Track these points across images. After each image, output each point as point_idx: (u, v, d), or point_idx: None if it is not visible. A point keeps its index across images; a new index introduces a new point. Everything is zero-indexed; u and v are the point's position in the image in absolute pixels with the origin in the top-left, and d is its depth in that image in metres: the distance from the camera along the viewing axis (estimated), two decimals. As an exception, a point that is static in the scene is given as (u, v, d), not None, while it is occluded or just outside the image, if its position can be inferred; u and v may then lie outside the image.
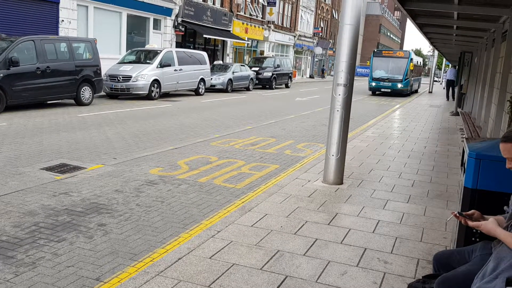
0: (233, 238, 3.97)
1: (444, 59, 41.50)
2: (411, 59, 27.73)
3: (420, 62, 35.78)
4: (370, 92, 28.18)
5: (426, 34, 13.03)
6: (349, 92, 5.63)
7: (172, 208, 5.04)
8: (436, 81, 45.16)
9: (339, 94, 5.60)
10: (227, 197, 5.55)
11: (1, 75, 11.26)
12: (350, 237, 4.15)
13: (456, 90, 20.52)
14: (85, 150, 7.76)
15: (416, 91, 33.00)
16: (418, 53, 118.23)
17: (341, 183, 5.86)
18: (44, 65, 12.47)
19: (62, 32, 17.78)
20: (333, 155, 5.70)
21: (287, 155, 8.22)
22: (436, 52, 33.14)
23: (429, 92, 33.30)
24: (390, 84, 26.80)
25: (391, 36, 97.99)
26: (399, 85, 26.71)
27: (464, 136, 10.17)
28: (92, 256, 3.76)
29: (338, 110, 5.61)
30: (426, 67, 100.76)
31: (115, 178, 6.11)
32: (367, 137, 10.00)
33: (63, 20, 17.99)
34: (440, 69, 51.99)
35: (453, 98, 25.41)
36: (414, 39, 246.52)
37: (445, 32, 12.13)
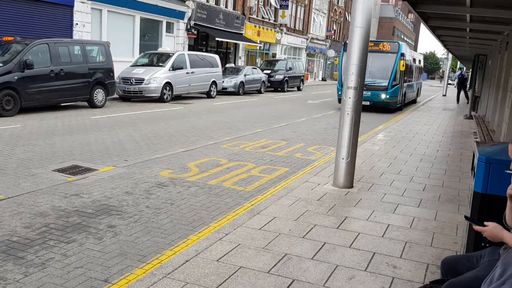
0: (241, 241, 3.97)
1: (459, 62, 41.08)
2: (402, 54, 17.48)
3: (420, 61, 25.01)
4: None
5: (439, 36, 12.91)
6: (360, 95, 5.60)
7: (181, 211, 5.06)
8: (450, 84, 44.65)
9: (350, 97, 5.57)
10: (236, 199, 5.55)
11: (16, 77, 11.43)
12: (359, 241, 4.12)
13: (469, 93, 20.32)
14: (97, 152, 7.83)
15: (413, 102, 23.58)
16: (432, 56, 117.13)
17: (351, 186, 5.82)
18: (58, 67, 12.63)
19: (76, 35, 17.98)
20: (343, 159, 5.67)
21: (298, 158, 8.20)
22: (450, 55, 32.81)
23: (443, 95, 32.93)
24: (369, 94, 16.79)
25: (405, 38, 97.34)
26: (383, 95, 16.96)
27: (477, 139, 10.05)
28: (101, 257, 3.79)
29: (348, 113, 5.59)
30: (441, 70, 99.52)
31: (125, 180, 6.16)
32: (378, 140, 9.93)
33: (77, 24, 18.20)
34: (454, 72, 51.47)
35: (467, 100, 25.20)
36: (428, 42, 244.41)
37: (458, 34, 12.01)
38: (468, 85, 27.96)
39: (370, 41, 16.75)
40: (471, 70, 22.23)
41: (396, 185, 6.22)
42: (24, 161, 6.93)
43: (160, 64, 17.72)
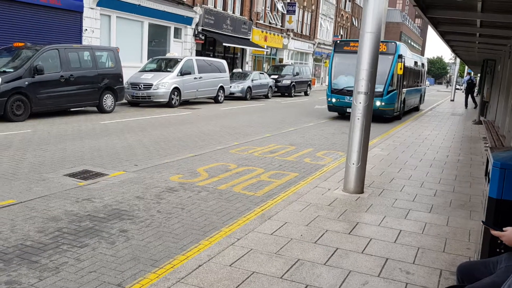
0: (253, 246, 3.97)
1: (466, 67, 40.89)
2: (400, 56, 15.37)
3: (423, 64, 22.08)
4: (331, 114, 17.06)
5: (448, 41, 12.89)
6: (370, 100, 5.60)
7: (192, 215, 5.07)
8: (458, 89, 44.41)
9: (360, 102, 5.57)
10: (246, 204, 5.55)
11: (26, 83, 11.54)
12: (371, 247, 4.10)
13: (478, 98, 20.19)
14: (107, 157, 7.87)
15: (416, 109, 21.22)
16: (439, 60, 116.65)
17: (362, 192, 5.81)
18: (68, 73, 12.74)
19: (85, 41, 18.13)
20: (353, 164, 5.67)
21: (307, 163, 8.19)
22: (458, 60, 32.69)
23: (451, 100, 32.78)
24: None
25: (412, 43, 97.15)
26: (377, 102, 14.70)
27: (487, 145, 9.99)
28: (114, 261, 3.80)
29: (358, 118, 5.58)
30: (448, 75, 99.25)
31: (136, 185, 6.18)
32: (388, 145, 9.90)
33: (86, 29, 18.35)
34: (462, 77, 51.25)
35: (475, 105, 25.06)
36: (436, 46, 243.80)
37: (467, 39, 11.97)
38: (476, 90, 27.64)
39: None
40: (479, 75, 22.11)
41: (407, 190, 6.19)
42: (36, 165, 6.98)
43: (168, 69, 17.82)
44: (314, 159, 8.61)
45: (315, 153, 9.16)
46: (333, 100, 15.85)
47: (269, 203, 5.41)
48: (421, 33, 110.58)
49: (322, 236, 4.29)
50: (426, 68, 23.72)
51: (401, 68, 14.92)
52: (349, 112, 14.05)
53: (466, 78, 30.32)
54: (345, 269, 3.61)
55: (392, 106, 15.62)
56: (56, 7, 16.97)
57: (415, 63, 19.70)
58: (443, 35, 10.81)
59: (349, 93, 14.35)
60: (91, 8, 18.45)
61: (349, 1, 53.93)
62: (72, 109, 13.88)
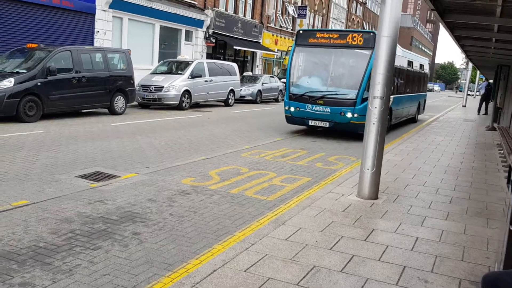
0: (268, 251, 3.91)
1: (478, 72, 40.54)
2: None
3: (422, 66, 18.08)
4: (292, 126, 13.13)
5: (462, 47, 12.75)
6: (386, 105, 5.53)
7: (205, 219, 5.02)
8: (469, 94, 44.03)
9: (376, 107, 5.50)
10: (259, 209, 5.50)
11: (39, 83, 11.60)
12: (388, 254, 4.03)
13: (491, 104, 19.95)
14: (119, 158, 7.86)
15: (412, 121, 17.16)
16: (450, 66, 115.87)
17: (376, 198, 5.72)
18: (80, 74, 12.79)
19: (97, 43, 18.23)
20: (368, 169, 5.59)
21: (319, 167, 8.12)
22: (471, 65, 32.41)
23: (463, 106, 32.49)
24: (327, 110, 11.42)
25: (423, 48, 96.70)
26: (349, 114, 11.24)
27: (502, 152, 9.84)
28: (128, 265, 3.76)
29: (374, 123, 5.51)
30: (459, 81, 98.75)
31: (148, 187, 6.15)
32: (400, 151, 9.80)
33: (98, 31, 18.46)
34: (474, 82, 50.82)
35: (485, 112, 24.79)
36: (447, 52, 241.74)
37: (483, 45, 11.83)
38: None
39: (332, 30, 12.05)
40: (492, 80, 21.87)
41: (422, 197, 6.10)
42: (48, 166, 6.99)
43: (179, 72, 17.84)
44: (326, 163, 8.53)
45: (327, 158, 9.08)
46: (292, 109, 11.81)
47: (282, 208, 5.34)
48: (432, 38, 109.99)
49: (338, 242, 4.22)
50: (427, 70, 19.32)
51: None
52: (313, 126, 11.59)
53: (484, 83, 29.93)
54: (362, 277, 3.54)
55: None
56: (68, 9, 17.10)
57: (410, 63, 15.40)
58: (458, 40, 10.70)
59: (313, 100, 11.41)
60: (104, 10, 18.56)
61: (360, 5, 53.84)
62: (83, 111, 13.93)
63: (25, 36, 15.31)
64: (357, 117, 11.10)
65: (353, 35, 11.45)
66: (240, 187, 6.46)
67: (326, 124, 11.47)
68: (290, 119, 12.17)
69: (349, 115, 11.17)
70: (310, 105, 11.50)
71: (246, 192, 6.22)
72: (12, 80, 11.07)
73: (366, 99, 10.60)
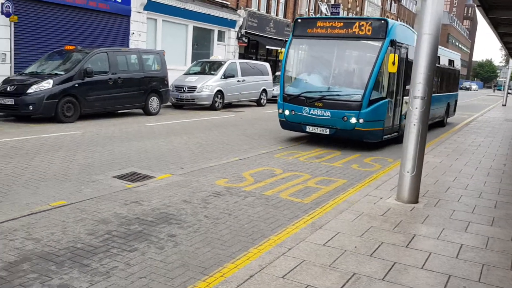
0: (305, 257, 3.81)
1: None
2: (393, 42, 9.44)
3: (452, 62, 15.63)
4: (288, 132, 11.40)
5: (505, 44, 12.24)
6: (427, 105, 5.32)
7: (239, 221, 4.96)
8: (510, 93, 42.40)
9: (416, 108, 5.30)
10: (294, 212, 5.40)
11: (77, 85, 11.85)
12: (431, 262, 3.85)
13: None
14: (154, 159, 7.92)
15: (440, 124, 15.13)
16: (489, 63, 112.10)
17: (417, 201, 5.52)
18: (115, 76, 13.01)
19: (132, 44, 18.53)
20: (408, 172, 5.39)
21: (355, 169, 7.94)
22: (511, 63, 31.20)
23: (503, 105, 31.32)
24: (327, 114, 9.59)
25: (460, 46, 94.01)
26: (353, 119, 9.34)
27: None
28: (163, 268, 3.74)
29: (414, 124, 5.31)
30: (497, 79, 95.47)
31: (183, 188, 6.15)
32: (439, 152, 9.47)
33: (133, 33, 18.75)
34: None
35: None
36: (484, 49, 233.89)
37: (526, 41, 11.34)
38: None
39: (336, 18, 9.93)
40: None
41: (464, 201, 5.85)
42: (85, 167, 7.10)
43: (212, 72, 17.91)
44: (362, 165, 8.33)
45: (362, 159, 8.87)
46: (286, 112, 10.13)
47: (318, 211, 5.22)
48: (470, 35, 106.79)
49: (378, 248, 4.07)
50: (458, 67, 16.80)
51: (394, 63, 8.85)
52: (311, 133, 9.77)
53: None
54: (405, 286, 3.38)
55: (379, 124, 9.63)
56: (105, 11, 17.43)
57: (437, 59, 11.72)
58: (501, 36, 10.27)
59: (310, 102, 9.64)
60: (138, 12, 18.84)
61: (395, 2, 52.80)
62: (119, 111, 14.16)
63: (63, 38, 15.70)
64: (362, 123, 9.28)
65: (361, 23, 9.60)
66: (274, 189, 6.38)
67: (326, 131, 9.64)
68: (285, 124, 10.43)
69: (353, 120, 9.30)
70: (307, 108, 9.72)
71: (281, 194, 6.12)
72: (50, 81, 11.36)
73: (374, 101, 9.38)
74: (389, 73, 9.45)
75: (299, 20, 10.66)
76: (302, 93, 9.86)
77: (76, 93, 11.82)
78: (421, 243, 4.27)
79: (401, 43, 9.96)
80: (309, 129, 9.90)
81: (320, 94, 9.69)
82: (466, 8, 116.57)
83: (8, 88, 11.34)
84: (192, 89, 16.68)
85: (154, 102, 14.56)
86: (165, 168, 7.30)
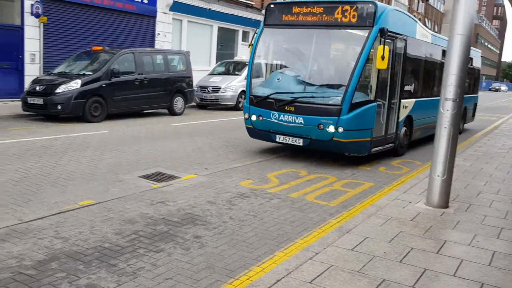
0: (333, 262, 3.74)
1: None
2: (383, 31, 7.47)
3: (472, 60, 13.58)
4: (259, 141, 9.45)
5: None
6: (459, 108, 5.17)
7: (265, 224, 4.92)
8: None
9: (447, 110, 5.16)
10: (321, 215, 5.32)
11: (104, 85, 12.02)
12: (463, 269, 3.73)
13: None
14: (179, 159, 7.95)
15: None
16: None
17: (447, 206, 5.37)
18: (142, 76, 13.15)
19: (157, 45, 18.72)
20: (438, 176, 5.25)
21: (382, 172, 7.80)
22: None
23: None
24: (299, 121, 7.76)
25: (489, 46, 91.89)
26: (331, 127, 7.52)
27: None
28: (190, 269, 3.73)
29: (445, 127, 5.17)
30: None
31: (207, 189, 6.15)
32: (469, 155, 9.23)
33: (159, 33, 18.95)
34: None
35: None
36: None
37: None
38: None
39: (316, 2, 8.03)
40: None
41: (496, 206, 5.66)
42: (112, 166, 7.17)
43: (236, 72, 17.93)
44: (390, 168, 8.18)
45: (390, 162, 8.72)
46: (253, 117, 8.42)
47: (345, 215, 5.14)
48: (499, 35, 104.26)
49: (408, 254, 3.97)
50: (478, 65, 15.09)
51: (384, 58, 7.27)
52: (282, 143, 8.02)
53: None
54: (437, 294, 3.28)
55: (365, 134, 7.78)
56: (131, 12, 17.68)
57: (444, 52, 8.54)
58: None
59: (280, 105, 7.93)
60: (164, 13, 19.03)
61: (422, 1, 51.93)
62: (144, 111, 14.31)
63: (90, 39, 15.98)
64: (342, 132, 7.44)
65: (344, 8, 7.71)
66: (299, 191, 6.31)
67: (299, 142, 7.88)
68: (252, 132, 8.69)
69: (330, 129, 7.50)
70: (275, 112, 7.97)
71: (306, 196, 6.06)
72: (78, 81, 11.55)
73: (358, 105, 7.54)
74: (379, 70, 7.71)
75: (272, 6, 8.77)
76: (271, 94, 8.11)
77: (103, 93, 11.99)
78: (452, 249, 4.15)
79: (396, 33, 8.25)
80: (279, 138, 8.12)
81: (292, 96, 7.90)
82: (495, 7, 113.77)
83: (37, 88, 11.58)
84: (217, 89, 16.73)
85: (179, 103, 14.66)
86: (190, 168, 7.32)
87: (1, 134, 9.34)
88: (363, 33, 7.62)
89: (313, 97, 7.78)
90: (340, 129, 7.47)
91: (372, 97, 7.83)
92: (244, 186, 6.40)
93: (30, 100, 11.54)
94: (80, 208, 5.09)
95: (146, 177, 6.62)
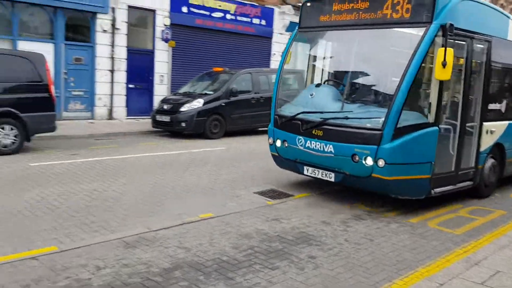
0: (460, 296, 3.44)
1: None
2: (444, 28, 5.50)
3: None
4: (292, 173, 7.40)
5: None
6: None
7: (382, 249, 4.71)
8: None
9: None
10: (445, 243, 4.95)
11: (223, 104, 12.66)
12: None
13: None
14: (293, 177, 7.96)
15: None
16: None
17: None
18: (258, 95, 13.58)
19: (272, 65, 19.23)
20: None
21: (515, 199, 7.03)
22: None
23: None
24: (330, 149, 5.95)
25: None
26: (368, 159, 5.63)
27: None
28: (304, 290, 3.70)
29: None
30: None
31: (321, 209, 6.08)
32: None
33: (275, 54, 19.47)
34: None
35: None
36: None
37: None
38: None
39: None
40: None
41: None
42: (229, 181, 7.47)
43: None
44: (525, 195, 7.35)
45: (524, 188, 7.83)
46: (278, 143, 6.87)
47: (472, 245, 4.72)
48: None
49: (551, 296, 3.50)
50: None
51: (445, 65, 5.34)
52: (311, 176, 6.39)
53: None
54: None
55: (421, 169, 5.78)
56: (250, 34, 18.45)
57: None
58: None
59: (306, 128, 6.30)
60: (280, 34, 19.53)
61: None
62: (259, 128, 14.71)
63: (212, 60, 16.98)
64: (384, 166, 5.54)
65: (396, 1, 5.80)
66: (420, 216, 5.94)
67: (331, 177, 6.15)
68: (278, 160, 7.11)
69: (368, 161, 5.65)
70: (301, 137, 6.33)
71: (428, 222, 5.68)
72: (201, 100, 12.32)
73: (409, 129, 5.60)
74: (442, 82, 5.71)
75: (308, 4, 6.96)
76: (297, 114, 6.45)
77: (222, 112, 12.63)
78: None
79: (473, 32, 6.21)
80: (307, 171, 6.47)
81: (321, 116, 6.17)
82: None
83: (165, 107, 12.59)
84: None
85: (293, 121, 14.81)
86: (303, 187, 7.32)
87: (133, 148, 10.29)
88: (417, 32, 5.67)
89: (347, 118, 5.90)
90: (381, 162, 5.53)
91: (431, 118, 5.76)
92: (360, 208, 6.21)
93: (159, 117, 12.57)
94: (200, 221, 5.36)
95: (261, 193, 6.77)
